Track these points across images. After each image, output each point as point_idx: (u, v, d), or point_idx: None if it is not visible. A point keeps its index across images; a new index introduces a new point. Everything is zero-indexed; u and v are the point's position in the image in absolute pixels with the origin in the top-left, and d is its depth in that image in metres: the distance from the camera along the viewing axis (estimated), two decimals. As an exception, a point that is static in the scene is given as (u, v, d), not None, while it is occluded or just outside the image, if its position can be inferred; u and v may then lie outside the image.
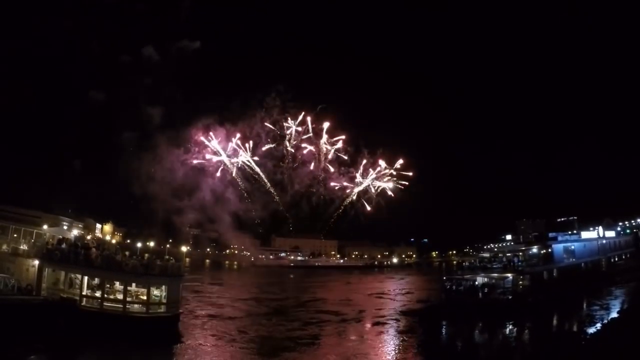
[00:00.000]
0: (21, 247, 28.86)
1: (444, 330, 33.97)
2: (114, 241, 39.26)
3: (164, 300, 27.20)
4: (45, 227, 30.49)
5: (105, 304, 26.11)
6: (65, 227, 32.49)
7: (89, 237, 32.89)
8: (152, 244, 41.81)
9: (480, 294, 37.90)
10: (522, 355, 26.00)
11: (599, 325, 30.04)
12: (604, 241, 56.88)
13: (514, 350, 26.97)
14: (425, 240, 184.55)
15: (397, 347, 27.46)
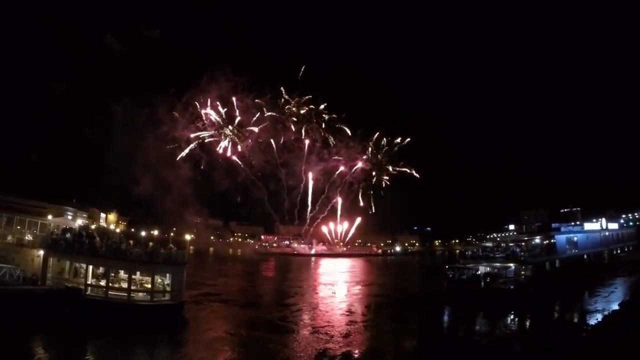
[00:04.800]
0: (26, 237, 28.97)
1: (445, 319, 34.16)
2: (118, 230, 39.51)
3: (168, 289, 27.52)
4: (49, 217, 30.55)
5: (110, 292, 26.29)
6: (69, 217, 32.57)
7: (93, 227, 32.98)
8: (156, 232, 42.17)
9: (482, 284, 38.04)
10: (522, 345, 26.12)
11: (600, 317, 30.09)
12: (607, 233, 56.84)
13: (515, 340, 27.11)
14: (429, 228, 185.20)
15: (397, 335, 27.61)
